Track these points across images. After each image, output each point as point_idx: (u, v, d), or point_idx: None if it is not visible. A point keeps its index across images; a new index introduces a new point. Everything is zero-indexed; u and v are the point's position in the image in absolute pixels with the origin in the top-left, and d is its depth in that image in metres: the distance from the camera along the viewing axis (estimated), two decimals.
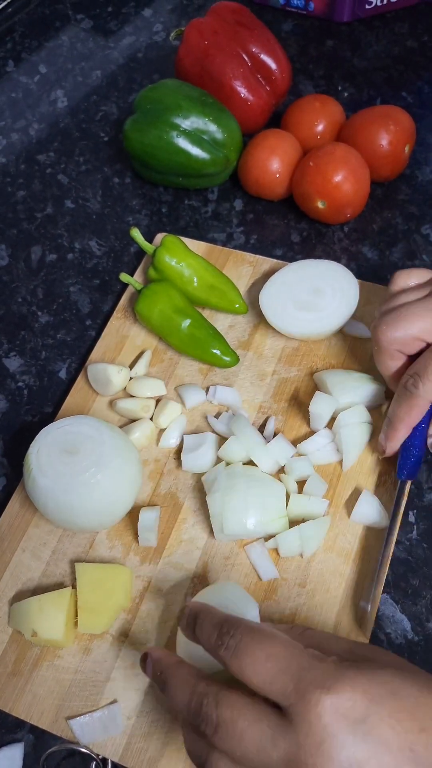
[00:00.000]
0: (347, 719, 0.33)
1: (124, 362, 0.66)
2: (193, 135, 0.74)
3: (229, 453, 0.58)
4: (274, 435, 0.60)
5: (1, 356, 0.71)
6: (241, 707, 0.36)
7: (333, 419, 0.59)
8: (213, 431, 0.61)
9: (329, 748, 0.33)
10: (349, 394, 0.59)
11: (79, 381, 0.66)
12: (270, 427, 0.61)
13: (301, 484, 0.57)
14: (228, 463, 0.57)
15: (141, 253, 0.77)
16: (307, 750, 0.33)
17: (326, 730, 0.33)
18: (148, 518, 0.56)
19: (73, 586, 0.55)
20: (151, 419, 0.62)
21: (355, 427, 0.57)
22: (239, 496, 0.54)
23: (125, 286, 0.73)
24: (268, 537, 0.55)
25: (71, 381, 0.68)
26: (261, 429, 0.61)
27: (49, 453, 0.54)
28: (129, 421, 0.62)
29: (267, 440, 0.58)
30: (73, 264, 0.77)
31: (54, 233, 0.80)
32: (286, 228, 0.77)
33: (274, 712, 0.35)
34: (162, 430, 0.62)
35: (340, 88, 0.90)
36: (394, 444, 0.56)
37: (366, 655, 0.39)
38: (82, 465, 0.53)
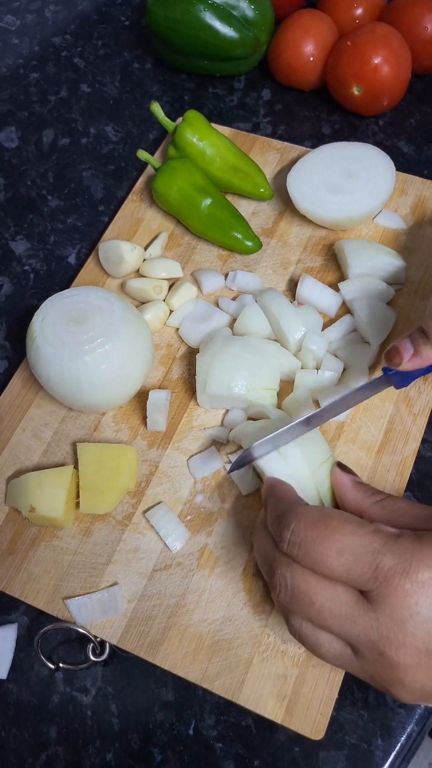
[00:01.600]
0: (428, 597, 0.33)
1: (138, 244, 0.61)
2: (221, 10, 0.68)
3: (246, 321, 0.53)
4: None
5: (7, 239, 0.67)
6: (316, 585, 0.36)
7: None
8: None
9: (411, 625, 0.33)
10: (365, 264, 0.55)
11: (90, 262, 0.61)
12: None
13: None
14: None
15: (160, 139, 0.71)
16: (390, 628, 0.33)
17: (408, 610, 0.33)
18: (158, 398, 0.52)
19: (76, 467, 0.51)
20: (164, 302, 0.57)
21: (370, 302, 0.53)
22: (230, 357, 0.50)
23: (141, 172, 0.68)
24: (250, 415, 0.50)
25: (80, 266, 0.63)
26: None
27: (54, 322, 0.50)
28: (140, 305, 0.58)
29: None
30: (87, 149, 0.72)
31: (68, 117, 0.74)
32: (317, 120, 0.72)
33: (353, 593, 0.35)
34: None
35: None
36: (420, 361, 0.46)
37: None
38: (89, 335, 0.49)
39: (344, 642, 0.36)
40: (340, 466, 0.44)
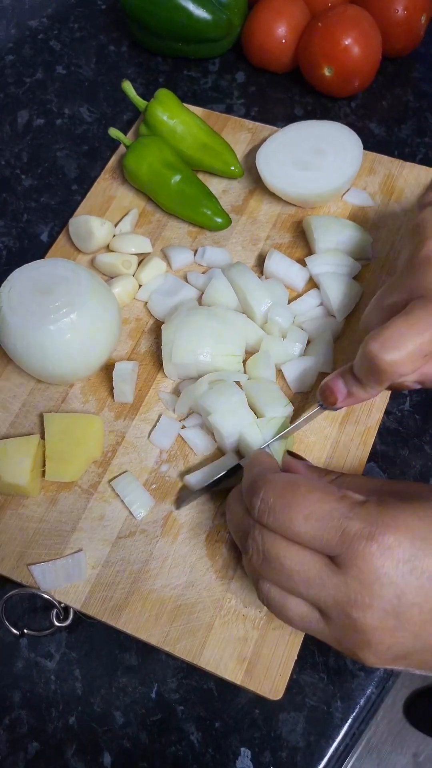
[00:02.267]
0: (393, 560, 0.34)
1: (110, 221, 0.62)
2: None
3: (213, 293, 0.54)
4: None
5: None
6: (286, 547, 0.36)
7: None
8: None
9: (379, 588, 0.33)
10: (332, 239, 0.56)
11: (61, 239, 0.62)
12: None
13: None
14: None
15: (133, 120, 0.72)
16: (357, 590, 0.34)
17: (375, 573, 0.33)
18: (124, 369, 0.52)
19: (43, 437, 0.51)
20: (133, 277, 0.58)
21: (337, 276, 0.54)
22: (195, 326, 0.51)
23: (114, 152, 0.69)
24: (214, 381, 0.50)
25: (53, 243, 0.64)
26: None
27: (21, 292, 0.50)
28: (109, 280, 0.59)
29: None
30: (61, 129, 0.72)
31: (43, 98, 0.75)
32: (290, 102, 0.73)
33: (320, 558, 0.35)
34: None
35: None
36: (354, 401, 0.46)
37: (402, 490, 0.39)
38: (55, 304, 0.49)
39: (312, 606, 0.36)
40: (291, 454, 0.45)
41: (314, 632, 0.37)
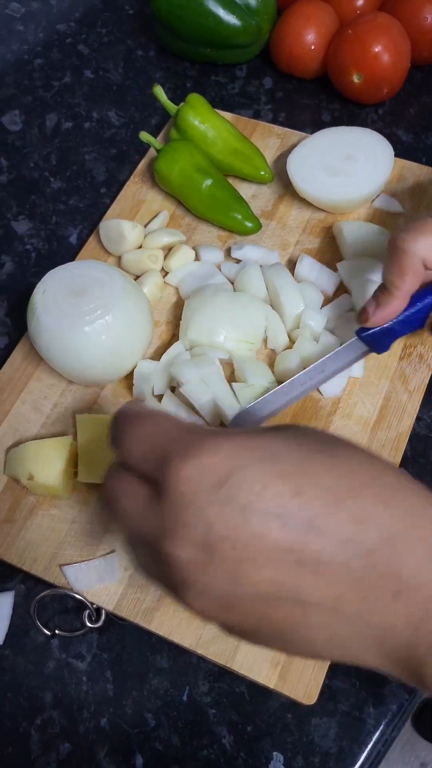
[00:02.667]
0: (204, 484, 0.28)
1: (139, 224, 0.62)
2: None
3: (245, 279, 0.55)
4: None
5: (9, 219, 0.67)
6: (119, 485, 0.32)
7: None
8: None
9: (185, 516, 0.29)
10: (363, 244, 0.56)
11: (91, 241, 0.62)
12: None
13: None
14: None
15: (161, 124, 0.72)
16: (167, 519, 0.29)
17: (182, 498, 0.29)
18: (146, 368, 0.52)
19: (75, 438, 0.52)
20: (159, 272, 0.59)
21: (368, 283, 0.54)
22: (216, 306, 0.52)
23: (143, 156, 0.69)
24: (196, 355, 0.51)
25: (81, 246, 0.64)
26: None
27: (55, 294, 0.50)
28: (136, 279, 0.59)
29: None
30: (89, 133, 0.73)
31: (71, 102, 0.75)
32: (317, 108, 0.73)
33: (146, 489, 0.31)
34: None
35: None
36: (384, 313, 0.47)
37: (289, 433, 0.33)
38: (89, 306, 0.49)
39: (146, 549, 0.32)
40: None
41: (153, 577, 0.32)
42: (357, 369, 0.53)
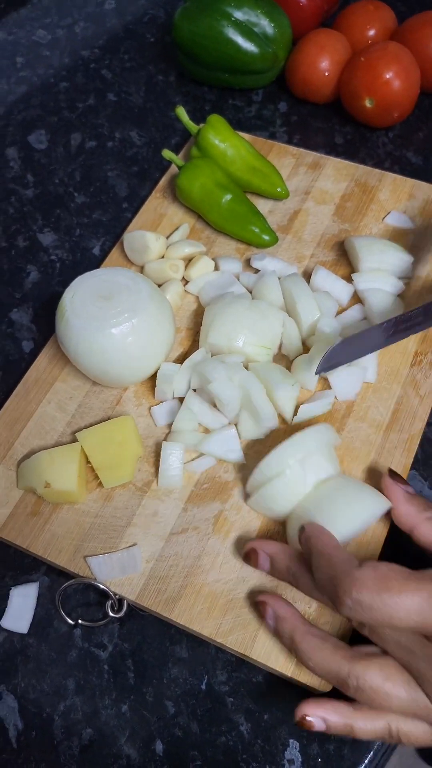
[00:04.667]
0: None
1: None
2: (243, 26, 0.73)
3: (262, 287, 0.58)
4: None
5: (35, 231, 0.70)
6: (383, 679, 0.38)
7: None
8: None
9: None
10: (375, 258, 0.59)
11: (114, 252, 0.65)
12: None
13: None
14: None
15: (181, 144, 0.76)
16: None
17: None
18: (169, 370, 0.55)
19: None
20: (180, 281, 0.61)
21: (381, 293, 0.57)
22: (236, 313, 0.54)
23: (163, 173, 0.72)
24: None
25: (104, 257, 0.67)
26: None
27: (83, 298, 0.53)
28: (159, 287, 0.61)
29: None
30: (112, 151, 0.76)
31: (95, 122, 0.79)
32: (330, 131, 0.76)
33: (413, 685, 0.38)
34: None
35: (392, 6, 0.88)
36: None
37: None
38: (116, 309, 0.52)
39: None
40: (392, 474, 0.45)
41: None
42: (370, 373, 0.55)
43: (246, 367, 0.54)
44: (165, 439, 0.54)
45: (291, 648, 0.42)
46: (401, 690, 0.38)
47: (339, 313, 0.59)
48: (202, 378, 0.52)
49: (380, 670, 0.39)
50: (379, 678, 0.38)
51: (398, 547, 0.48)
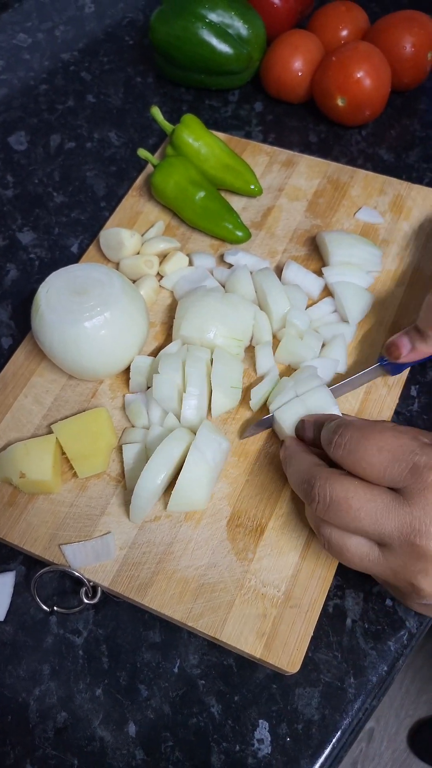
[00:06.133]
0: None
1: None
2: (218, 28, 0.75)
3: (234, 281, 0.59)
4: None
5: (14, 230, 0.71)
6: (354, 488, 0.39)
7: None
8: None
9: None
10: (345, 252, 0.60)
11: (91, 250, 0.66)
12: None
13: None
14: None
15: (158, 144, 0.77)
16: (422, 519, 0.37)
17: None
18: (142, 363, 0.56)
19: None
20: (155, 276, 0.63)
21: (350, 286, 0.59)
22: (208, 306, 0.56)
23: (140, 172, 0.73)
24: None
25: (82, 255, 0.68)
26: None
27: (58, 292, 0.54)
28: (134, 283, 0.63)
29: None
30: (91, 152, 0.77)
31: (74, 124, 0.80)
32: (305, 130, 0.78)
33: (388, 492, 0.38)
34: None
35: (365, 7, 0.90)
36: (416, 355, 0.53)
37: None
38: (90, 304, 0.53)
39: (373, 542, 0.39)
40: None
41: (372, 567, 0.40)
42: (341, 365, 0.56)
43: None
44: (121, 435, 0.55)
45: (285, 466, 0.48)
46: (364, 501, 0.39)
47: (310, 306, 0.60)
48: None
49: (340, 535, 0.41)
50: (342, 491, 0.40)
51: None
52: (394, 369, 0.55)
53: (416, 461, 0.38)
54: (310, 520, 0.44)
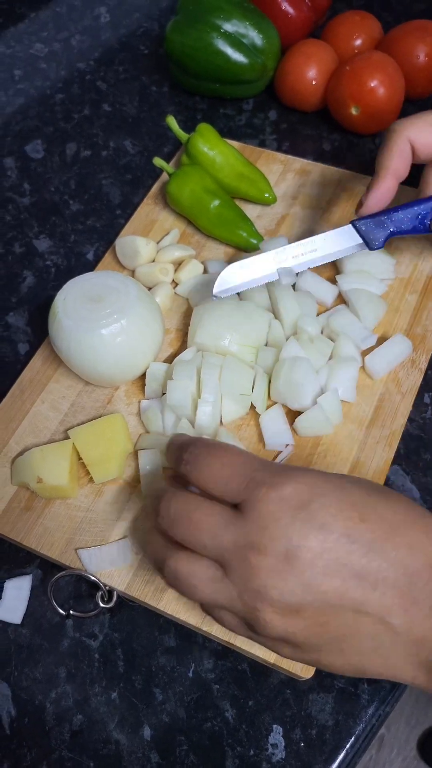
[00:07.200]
0: (290, 505, 0.35)
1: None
2: (233, 38, 0.75)
3: (249, 289, 0.59)
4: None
5: (31, 238, 0.72)
6: (196, 503, 0.39)
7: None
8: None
9: (272, 530, 0.35)
10: (359, 260, 0.61)
11: (107, 257, 0.67)
12: None
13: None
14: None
15: (173, 152, 0.78)
16: (254, 532, 0.35)
17: (271, 515, 0.35)
18: (157, 370, 0.57)
19: None
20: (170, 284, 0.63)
21: (364, 293, 0.59)
22: (223, 313, 0.57)
23: (155, 180, 0.74)
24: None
25: (98, 262, 0.69)
26: None
27: (75, 300, 0.55)
28: (150, 290, 0.63)
29: None
30: (106, 160, 0.78)
31: (90, 132, 0.81)
32: (319, 138, 0.78)
33: (227, 508, 0.38)
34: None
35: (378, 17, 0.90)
36: (374, 195, 0.53)
37: (350, 477, 0.40)
38: (106, 311, 0.54)
39: (216, 564, 0.37)
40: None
41: (218, 596, 0.37)
42: (349, 393, 0.56)
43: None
44: (137, 441, 0.56)
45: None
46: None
47: (323, 312, 0.61)
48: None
49: (187, 560, 0.38)
50: (184, 505, 0.39)
51: None
52: (372, 238, 0.54)
53: (254, 476, 0.37)
54: (153, 555, 0.41)
